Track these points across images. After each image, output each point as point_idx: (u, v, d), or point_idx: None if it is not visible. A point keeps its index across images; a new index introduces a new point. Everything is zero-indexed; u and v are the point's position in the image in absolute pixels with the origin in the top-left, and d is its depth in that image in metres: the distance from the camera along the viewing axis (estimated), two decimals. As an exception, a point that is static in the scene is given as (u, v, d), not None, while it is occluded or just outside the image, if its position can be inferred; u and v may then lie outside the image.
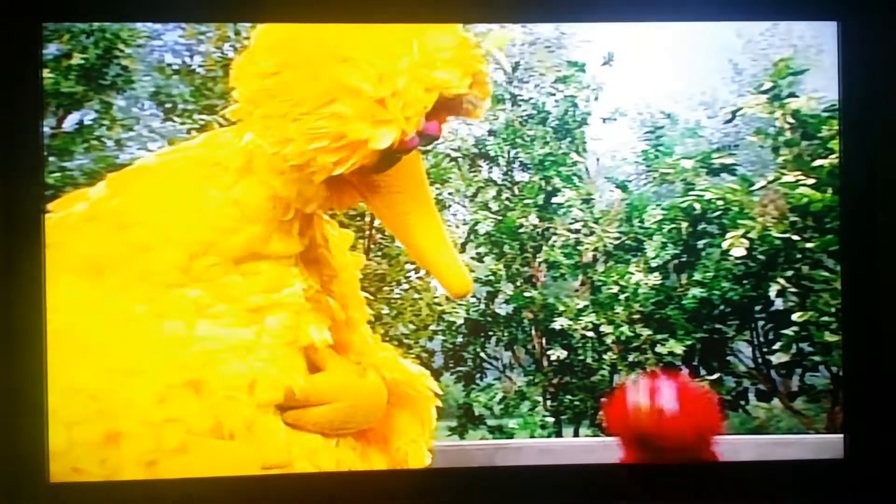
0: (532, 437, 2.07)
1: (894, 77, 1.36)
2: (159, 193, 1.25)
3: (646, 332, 2.09)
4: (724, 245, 2.03)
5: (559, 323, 2.14)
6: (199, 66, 1.95)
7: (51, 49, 1.66)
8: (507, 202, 2.20)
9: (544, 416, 2.11)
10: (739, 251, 2.00)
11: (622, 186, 2.18)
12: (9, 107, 1.28)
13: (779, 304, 1.98)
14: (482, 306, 2.22)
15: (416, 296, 2.19)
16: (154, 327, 1.18)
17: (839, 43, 1.39)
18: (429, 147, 1.45)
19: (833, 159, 1.63)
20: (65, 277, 1.22)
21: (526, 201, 2.20)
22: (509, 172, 2.22)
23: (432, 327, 2.15)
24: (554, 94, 2.17)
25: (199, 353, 1.17)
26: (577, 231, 2.19)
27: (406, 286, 2.19)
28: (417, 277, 2.20)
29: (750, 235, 2.00)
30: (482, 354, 2.19)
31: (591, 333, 2.12)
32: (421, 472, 1.32)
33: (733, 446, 1.57)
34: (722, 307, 2.05)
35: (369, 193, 1.31)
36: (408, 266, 2.14)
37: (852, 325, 1.41)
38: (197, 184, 1.24)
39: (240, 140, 1.25)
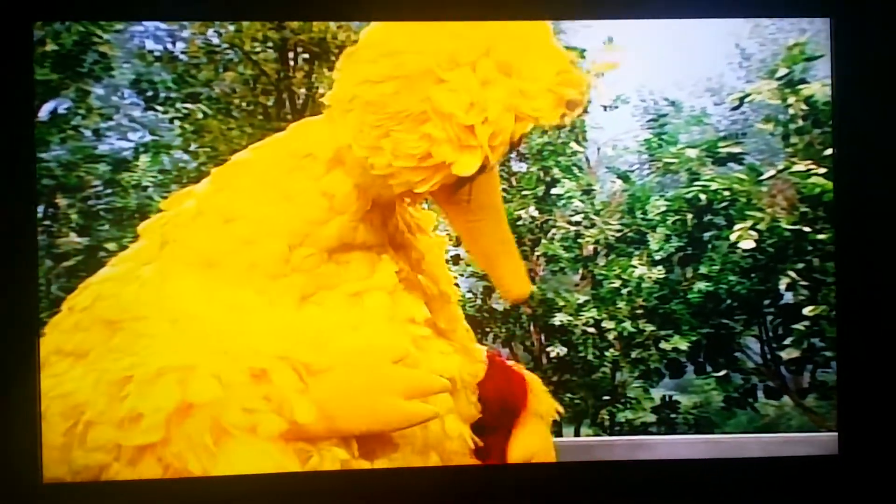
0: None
1: (886, 72, 1.38)
2: (257, 186, 1.29)
3: (649, 328, 2.08)
4: (732, 237, 2.01)
5: (559, 318, 2.14)
6: (182, 52, 1.93)
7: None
8: (503, 194, 2.03)
9: (544, 415, 2.08)
10: (748, 243, 1.98)
11: (624, 177, 2.16)
12: (1, 105, 1.30)
13: (789, 297, 1.97)
14: (479, 302, 2.20)
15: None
16: (265, 314, 1.22)
17: (831, 39, 1.42)
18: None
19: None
20: (182, 271, 1.25)
21: (524, 192, 2.19)
22: (506, 162, 2.19)
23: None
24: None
25: (309, 336, 1.21)
26: (578, 223, 2.18)
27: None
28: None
29: (758, 227, 1.98)
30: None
31: (592, 329, 2.12)
32: (418, 470, 1.30)
33: (735, 444, 1.62)
34: (729, 301, 2.03)
35: (441, 199, 1.33)
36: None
37: (846, 322, 1.42)
38: (291, 175, 1.28)
39: (331, 130, 1.28)
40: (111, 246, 1.81)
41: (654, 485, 1.43)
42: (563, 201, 2.18)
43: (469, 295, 2.19)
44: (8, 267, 1.29)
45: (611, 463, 1.49)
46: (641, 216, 2.14)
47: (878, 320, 1.40)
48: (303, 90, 2.07)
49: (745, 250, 2.00)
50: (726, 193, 2.05)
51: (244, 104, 2.04)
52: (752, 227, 1.98)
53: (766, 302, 2.00)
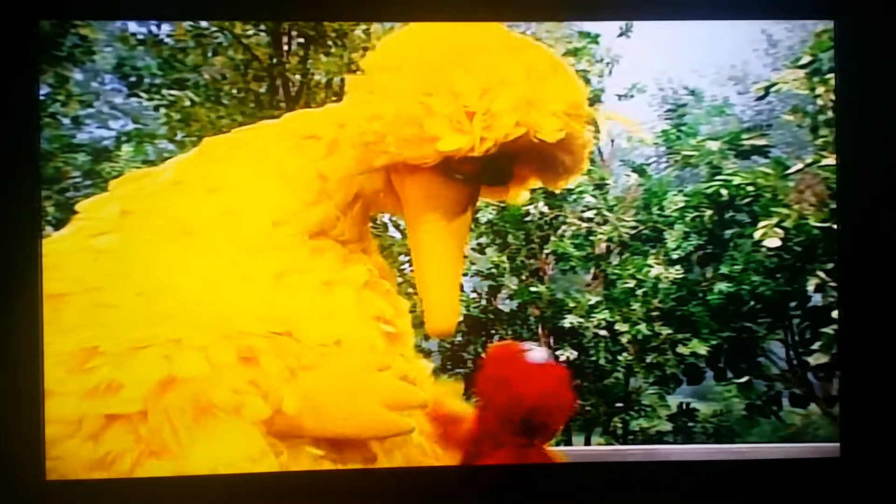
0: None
1: (889, 74, 1.41)
2: (253, 161, 1.33)
3: (665, 331, 2.04)
4: (756, 235, 1.97)
5: (569, 320, 2.09)
6: (168, 35, 1.91)
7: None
8: None
9: (552, 422, 2.08)
10: (773, 242, 1.94)
11: (640, 170, 2.13)
12: (4, 106, 1.35)
13: (817, 299, 1.94)
14: (483, 302, 2.18)
15: (411, 290, 2.03)
16: (240, 288, 1.25)
17: (835, 41, 1.45)
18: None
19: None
20: (153, 240, 1.27)
21: (532, 187, 2.09)
22: None
23: (428, 325, 2.13)
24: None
25: (281, 316, 1.24)
26: (590, 220, 2.14)
27: (400, 279, 2.09)
28: (412, 270, 2.06)
29: (785, 224, 1.93)
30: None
31: (604, 332, 2.08)
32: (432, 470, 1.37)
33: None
34: (752, 303, 1.99)
35: (413, 194, 1.33)
36: (402, 258, 2.09)
37: (848, 324, 1.44)
38: (291, 155, 1.33)
39: (337, 115, 1.33)
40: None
41: (655, 485, 1.44)
42: (574, 196, 2.14)
43: (473, 295, 2.18)
44: (9, 266, 1.32)
45: (610, 464, 1.50)
46: (658, 212, 2.11)
47: (880, 323, 1.42)
48: (297, 76, 2.06)
49: (770, 249, 1.95)
50: (750, 188, 2.01)
51: (234, 91, 2.01)
52: (778, 225, 1.94)
53: (793, 304, 1.96)
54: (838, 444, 1.46)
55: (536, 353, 1.44)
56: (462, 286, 1.99)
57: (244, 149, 1.34)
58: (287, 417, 1.16)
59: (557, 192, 2.10)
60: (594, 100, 2.10)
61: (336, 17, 1.31)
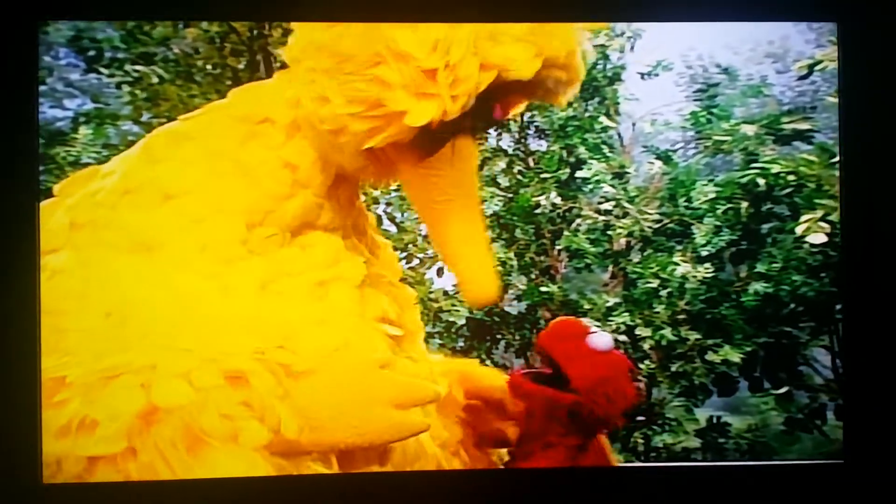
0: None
1: (893, 75, 1.41)
2: (204, 158, 1.24)
3: (693, 337, 2.00)
4: (798, 230, 1.91)
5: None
6: None
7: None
8: (519, 177, 2.14)
9: (566, 436, 2.06)
10: (818, 237, 1.87)
11: (665, 157, 2.08)
12: (4, 103, 1.33)
13: None
14: None
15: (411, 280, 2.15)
16: (220, 304, 1.19)
17: (838, 43, 1.43)
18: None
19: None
20: (110, 257, 1.21)
21: (543, 176, 2.12)
22: (522, 140, 2.17)
23: (428, 328, 2.06)
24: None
25: (277, 330, 1.18)
26: (608, 212, 2.10)
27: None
28: (409, 268, 2.13)
29: (830, 218, 1.86)
30: (488, 362, 2.10)
31: (623, 337, 2.03)
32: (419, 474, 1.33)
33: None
34: (793, 306, 1.94)
35: (407, 170, 1.27)
36: (398, 254, 2.02)
37: (851, 326, 1.42)
38: (245, 145, 1.24)
39: (285, 91, 1.25)
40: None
41: (655, 488, 1.42)
42: (591, 186, 2.10)
43: None
44: (6, 268, 1.31)
45: (610, 467, 1.45)
46: (685, 204, 2.06)
47: (884, 325, 1.40)
48: (280, 51, 2.00)
49: (813, 245, 1.89)
50: (791, 178, 1.95)
51: (209, 67, 1.98)
52: (823, 219, 1.88)
53: (839, 307, 1.81)
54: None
55: (599, 338, 1.37)
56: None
57: (192, 143, 1.26)
58: (286, 439, 1.11)
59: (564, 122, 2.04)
60: (614, 78, 2.06)
61: (329, 18, 1.22)
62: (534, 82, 1.20)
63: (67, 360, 1.11)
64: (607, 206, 2.09)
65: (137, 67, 1.88)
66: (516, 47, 1.15)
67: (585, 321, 1.39)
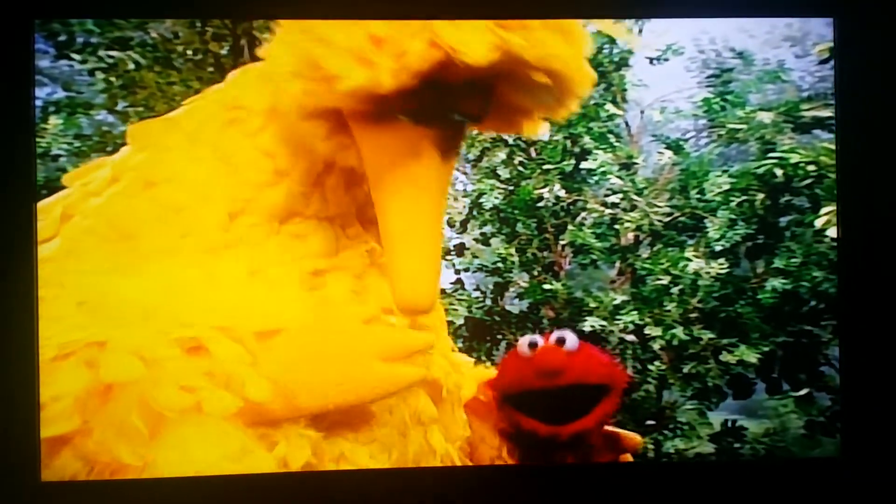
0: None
1: (890, 72, 1.44)
2: (185, 145, 1.27)
3: (706, 336, 1.96)
4: (818, 223, 1.87)
5: (590, 323, 2.02)
6: None
7: None
8: (520, 168, 2.11)
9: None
10: None
11: (675, 147, 2.04)
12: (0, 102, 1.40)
13: None
14: (488, 302, 2.11)
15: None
16: (198, 289, 1.20)
17: (835, 39, 1.48)
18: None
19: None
20: (92, 246, 1.23)
21: (546, 167, 2.10)
22: None
23: (424, 328, 2.08)
24: (584, 26, 2.12)
25: (254, 306, 1.20)
26: (615, 205, 2.07)
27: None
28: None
29: None
30: (489, 363, 1.94)
31: (632, 337, 2.01)
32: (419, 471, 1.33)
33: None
34: (813, 303, 1.91)
35: (368, 151, 1.24)
36: None
37: (848, 323, 1.46)
38: (223, 131, 1.26)
39: (264, 75, 1.28)
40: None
41: (654, 486, 1.45)
42: (597, 177, 2.08)
43: (476, 294, 2.10)
44: (5, 266, 1.36)
45: (610, 464, 1.46)
46: (697, 196, 2.03)
47: (882, 322, 1.44)
48: (267, 35, 1.95)
49: (834, 239, 1.80)
50: (811, 168, 1.93)
51: (189, 52, 1.94)
52: None
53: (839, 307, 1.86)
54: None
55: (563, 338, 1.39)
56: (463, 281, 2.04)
57: (175, 132, 1.28)
58: (260, 405, 1.10)
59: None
60: (620, 63, 2.02)
61: (326, 16, 1.20)
62: (524, 83, 1.17)
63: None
64: (614, 198, 2.07)
65: (112, 53, 1.84)
66: (473, 34, 1.12)
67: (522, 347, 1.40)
